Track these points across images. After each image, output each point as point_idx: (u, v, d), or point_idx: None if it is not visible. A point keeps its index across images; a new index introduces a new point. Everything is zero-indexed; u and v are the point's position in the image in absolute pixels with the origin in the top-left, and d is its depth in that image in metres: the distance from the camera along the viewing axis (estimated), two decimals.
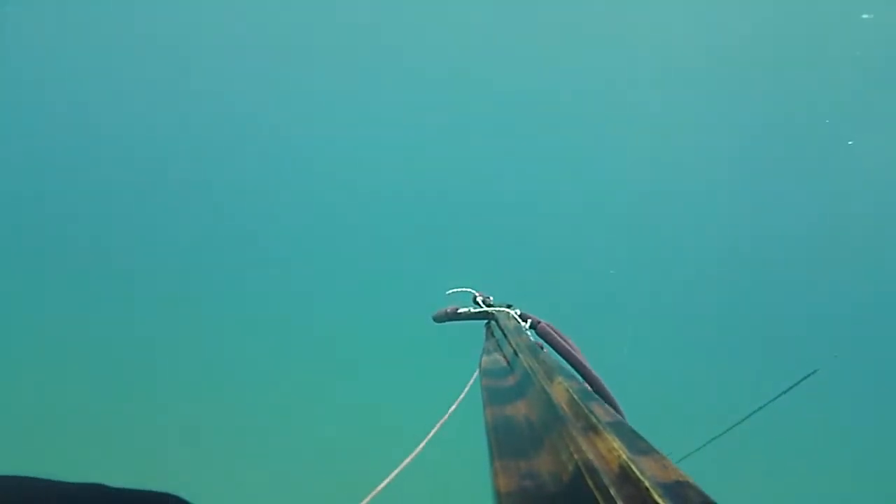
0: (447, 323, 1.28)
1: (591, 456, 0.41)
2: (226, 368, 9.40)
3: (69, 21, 12.71)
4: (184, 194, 12.56)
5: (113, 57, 12.98)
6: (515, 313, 1.13)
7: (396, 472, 0.67)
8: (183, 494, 0.40)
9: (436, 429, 0.78)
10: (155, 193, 12.32)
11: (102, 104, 12.76)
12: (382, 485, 0.64)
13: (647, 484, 0.35)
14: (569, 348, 1.02)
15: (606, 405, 0.54)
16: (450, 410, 0.82)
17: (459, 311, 1.24)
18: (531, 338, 0.95)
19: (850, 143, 11.90)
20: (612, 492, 0.36)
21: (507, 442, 0.52)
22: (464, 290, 1.37)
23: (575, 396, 0.55)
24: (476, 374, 0.78)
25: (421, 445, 0.76)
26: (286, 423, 8.37)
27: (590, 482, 0.38)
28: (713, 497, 0.35)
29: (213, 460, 7.31)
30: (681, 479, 0.38)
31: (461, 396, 0.85)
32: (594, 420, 0.48)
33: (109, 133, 12.55)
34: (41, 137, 12.37)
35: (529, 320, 1.11)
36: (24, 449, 6.67)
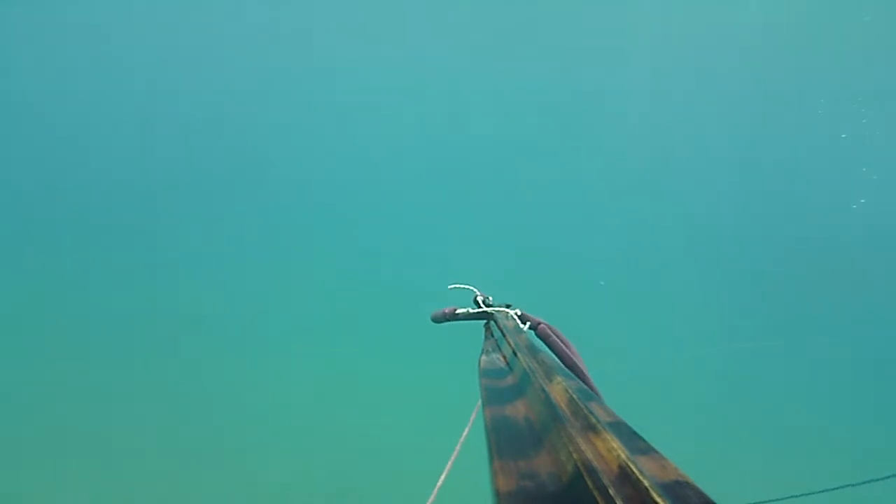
0: (445, 323, 1.28)
1: (590, 456, 0.41)
2: (222, 369, 9.38)
3: (68, 20, 12.70)
4: (184, 194, 12.56)
5: (112, 55, 12.98)
6: (515, 314, 1.13)
7: None
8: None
9: (449, 466, 0.78)
10: (158, 192, 12.31)
11: (102, 101, 12.76)
12: None
13: (646, 484, 0.35)
14: (568, 352, 1.02)
15: (606, 405, 0.54)
16: (459, 442, 0.82)
17: (458, 311, 1.23)
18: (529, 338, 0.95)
19: None
20: (612, 492, 0.35)
21: (506, 442, 0.52)
22: (465, 286, 1.36)
23: (574, 396, 0.54)
24: (479, 403, 0.78)
25: (438, 485, 0.76)
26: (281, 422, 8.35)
27: (589, 482, 0.38)
28: (712, 497, 0.35)
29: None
30: (680, 478, 0.38)
31: (468, 426, 0.84)
32: (593, 420, 0.48)
33: (110, 123, 12.55)
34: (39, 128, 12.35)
35: (529, 322, 1.10)
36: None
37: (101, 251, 11.22)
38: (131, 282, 10.71)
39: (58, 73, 12.78)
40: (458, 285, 1.37)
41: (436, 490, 0.77)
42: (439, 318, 1.26)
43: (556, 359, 1.00)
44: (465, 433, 0.84)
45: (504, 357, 0.86)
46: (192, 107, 13.32)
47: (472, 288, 1.33)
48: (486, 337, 1.08)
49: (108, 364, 8.90)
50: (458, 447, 0.83)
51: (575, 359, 1.00)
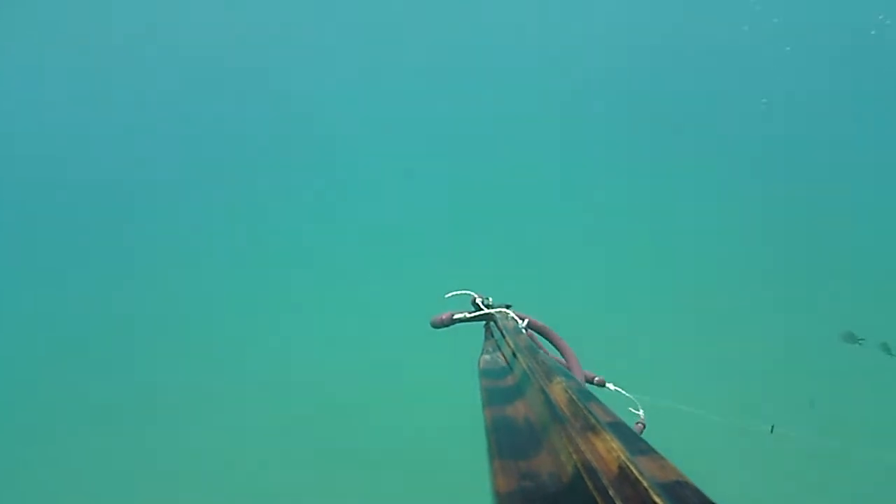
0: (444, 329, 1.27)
1: (590, 456, 0.41)
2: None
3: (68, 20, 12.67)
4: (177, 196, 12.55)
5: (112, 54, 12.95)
6: (514, 314, 1.12)
7: None
8: None
9: None
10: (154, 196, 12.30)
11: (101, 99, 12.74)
12: None
13: (645, 484, 0.35)
14: (556, 348, 1.02)
15: (605, 406, 0.54)
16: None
17: (456, 315, 1.22)
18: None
19: None
20: (611, 492, 0.36)
21: (506, 442, 0.52)
22: (463, 292, 1.35)
23: (574, 396, 0.54)
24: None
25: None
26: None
27: (589, 483, 0.38)
28: (711, 497, 0.35)
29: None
30: (679, 478, 0.38)
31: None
32: (593, 420, 0.47)
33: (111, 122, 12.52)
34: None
35: (527, 320, 1.10)
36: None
37: (99, 248, 11.22)
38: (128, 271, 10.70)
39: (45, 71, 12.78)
40: (455, 292, 1.36)
41: None
42: (439, 324, 1.25)
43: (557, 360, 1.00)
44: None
45: (504, 357, 0.86)
46: (188, 105, 13.32)
47: (469, 292, 1.32)
48: (486, 337, 1.08)
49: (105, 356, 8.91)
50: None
51: (570, 360, 1.00)
